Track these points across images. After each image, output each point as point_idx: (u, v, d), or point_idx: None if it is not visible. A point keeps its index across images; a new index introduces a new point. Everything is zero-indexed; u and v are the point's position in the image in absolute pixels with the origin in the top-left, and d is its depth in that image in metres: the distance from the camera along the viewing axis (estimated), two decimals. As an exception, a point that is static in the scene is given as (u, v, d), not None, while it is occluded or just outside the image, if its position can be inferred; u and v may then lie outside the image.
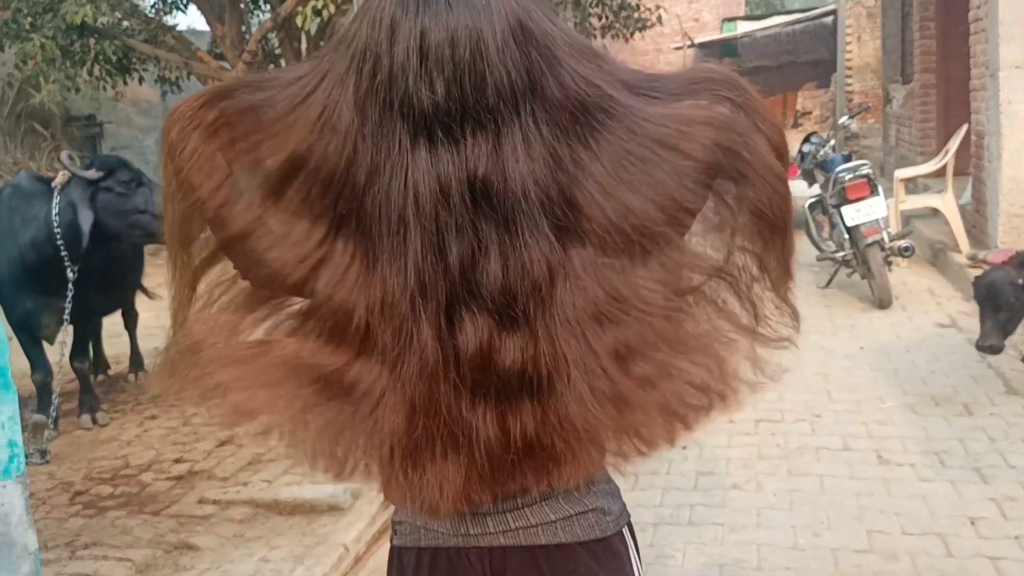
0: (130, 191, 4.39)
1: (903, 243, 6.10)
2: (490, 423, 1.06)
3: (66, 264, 4.34)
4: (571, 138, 1.05)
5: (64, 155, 4.42)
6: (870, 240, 6.08)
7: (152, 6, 12.45)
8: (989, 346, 4.07)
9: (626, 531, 1.24)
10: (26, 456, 2.31)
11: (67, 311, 4.36)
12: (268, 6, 11.89)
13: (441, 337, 1.04)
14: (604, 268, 1.05)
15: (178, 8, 12.48)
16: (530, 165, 1.02)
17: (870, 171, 6.36)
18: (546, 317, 1.04)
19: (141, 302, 5.75)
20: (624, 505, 1.26)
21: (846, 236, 6.29)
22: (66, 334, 4.54)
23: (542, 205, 1.03)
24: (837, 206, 6.33)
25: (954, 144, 7.23)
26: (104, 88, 10.98)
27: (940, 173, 7.36)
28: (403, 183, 1.02)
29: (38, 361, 4.63)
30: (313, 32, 7.20)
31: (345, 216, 1.06)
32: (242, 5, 11.85)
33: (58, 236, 4.30)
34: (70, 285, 4.34)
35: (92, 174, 4.33)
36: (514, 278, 1.02)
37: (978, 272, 6.05)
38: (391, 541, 1.27)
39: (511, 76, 1.02)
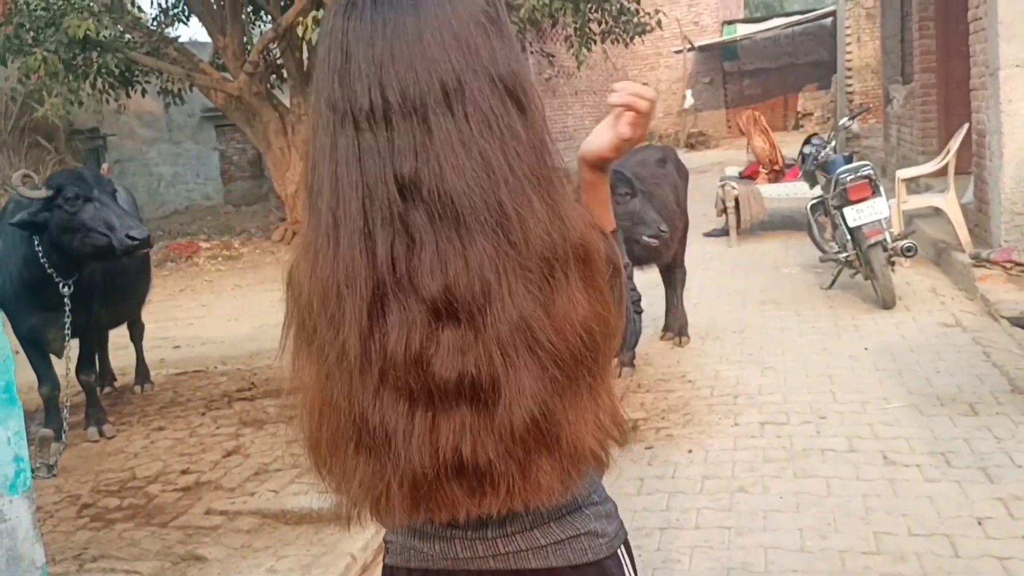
0: (76, 208, 4.20)
1: (906, 243, 6.08)
2: (417, 431, 1.03)
3: (57, 280, 4.35)
4: (504, 140, 1.04)
5: (16, 176, 4.29)
6: (873, 241, 6.07)
7: (154, 19, 12.52)
8: None
9: (621, 551, 1.22)
10: (33, 470, 2.32)
11: (67, 326, 4.37)
12: (269, 17, 11.93)
13: (362, 333, 1.03)
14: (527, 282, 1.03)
15: (180, 20, 12.56)
16: (468, 163, 1.02)
17: (871, 172, 6.35)
18: (494, 319, 1.01)
19: (146, 315, 5.78)
20: (621, 524, 1.24)
21: (848, 237, 6.28)
22: (72, 347, 4.56)
23: (483, 205, 1.02)
24: (839, 207, 6.32)
25: (955, 143, 7.22)
26: (107, 101, 11.05)
27: (942, 172, 7.35)
28: (333, 177, 1.05)
29: (45, 374, 4.64)
30: (314, 42, 7.25)
31: (312, 209, 1.09)
32: (244, 16, 11.90)
33: (40, 254, 4.32)
34: (66, 300, 4.35)
35: (41, 193, 4.22)
36: (454, 276, 1.01)
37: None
38: (384, 560, 1.28)
39: (443, 75, 1.02)
